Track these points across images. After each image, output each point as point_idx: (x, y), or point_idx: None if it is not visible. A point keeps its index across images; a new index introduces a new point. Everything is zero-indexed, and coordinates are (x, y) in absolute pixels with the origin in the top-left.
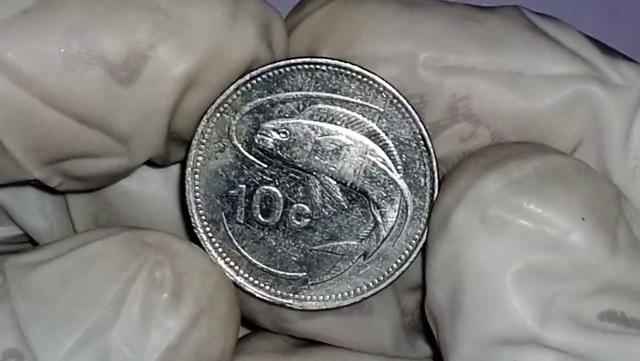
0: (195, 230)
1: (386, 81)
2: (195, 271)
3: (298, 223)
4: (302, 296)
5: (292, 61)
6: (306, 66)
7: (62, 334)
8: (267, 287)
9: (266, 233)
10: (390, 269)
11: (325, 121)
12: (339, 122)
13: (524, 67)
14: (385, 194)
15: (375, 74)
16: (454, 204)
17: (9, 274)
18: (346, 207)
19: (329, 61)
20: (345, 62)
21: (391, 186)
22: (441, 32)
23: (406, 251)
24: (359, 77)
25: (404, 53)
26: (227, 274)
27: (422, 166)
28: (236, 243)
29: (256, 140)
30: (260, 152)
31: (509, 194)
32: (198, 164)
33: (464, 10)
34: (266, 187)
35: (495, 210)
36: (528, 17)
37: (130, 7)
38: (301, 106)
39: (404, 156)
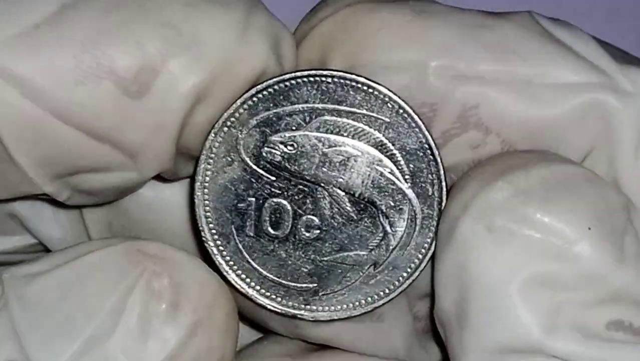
0: (205, 244)
1: (392, 91)
2: (193, 281)
3: (308, 234)
4: (314, 307)
5: (298, 73)
6: (312, 79)
7: (61, 344)
8: (279, 299)
9: (276, 245)
10: (401, 278)
11: (332, 132)
12: (345, 134)
13: (535, 75)
14: (393, 204)
15: (380, 85)
16: (461, 214)
17: (8, 284)
18: (355, 217)
19: (334, 72)
20: (351, 73)
21: (399, 195)
22: (452, 41)
23: (416, 260)
24: (365, 88)
25: (414, 61)
26: (239, 287)
27: (429, 175)
28: (247, 256)
29: (264, 153)
30: (268, 165)
31: (516, 204)
32: (207, 178)
33: (476, 18)
34: (275, 199)
35: (502, 220)
36: (541, 23)
37: (141, 21)
38: (308, 118)
39: (411, 165)
